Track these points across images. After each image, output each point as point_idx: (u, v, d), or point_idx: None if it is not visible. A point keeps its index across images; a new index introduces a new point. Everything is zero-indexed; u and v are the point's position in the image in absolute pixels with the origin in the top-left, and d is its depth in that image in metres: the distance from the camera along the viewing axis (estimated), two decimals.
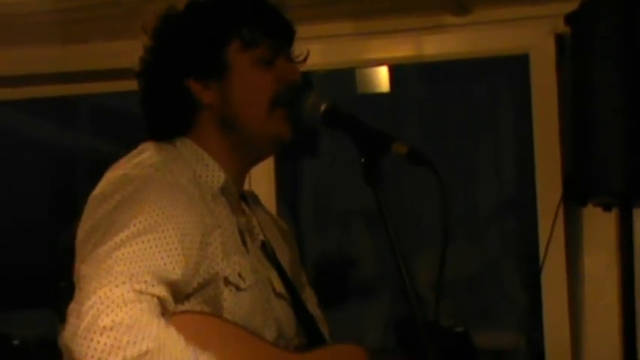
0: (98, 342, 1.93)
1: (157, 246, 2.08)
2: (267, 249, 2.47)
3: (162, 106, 2.39)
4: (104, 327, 1.94)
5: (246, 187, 2.59)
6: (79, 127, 5.49)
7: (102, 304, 1.96)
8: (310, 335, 2.46)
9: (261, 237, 2.47)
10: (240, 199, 2.47)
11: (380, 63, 4.68)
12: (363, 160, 2.20)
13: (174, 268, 2.09)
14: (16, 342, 4.98)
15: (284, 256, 2.54)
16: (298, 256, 2.66)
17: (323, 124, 2.34)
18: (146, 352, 1.94)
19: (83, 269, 2.06)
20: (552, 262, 3.94)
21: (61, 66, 4.64)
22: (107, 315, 1.95)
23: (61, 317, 2.02)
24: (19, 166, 5.34)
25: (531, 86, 4.16)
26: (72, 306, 2.00)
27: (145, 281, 2.02)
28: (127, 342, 1.93)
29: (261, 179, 2.49)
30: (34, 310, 5.05)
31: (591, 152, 3.21)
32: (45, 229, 5.24)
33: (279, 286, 2.43)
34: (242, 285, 2.27)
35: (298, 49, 2.47)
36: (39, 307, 4.88)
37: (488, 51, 4.31)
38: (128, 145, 2.38)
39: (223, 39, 2.36)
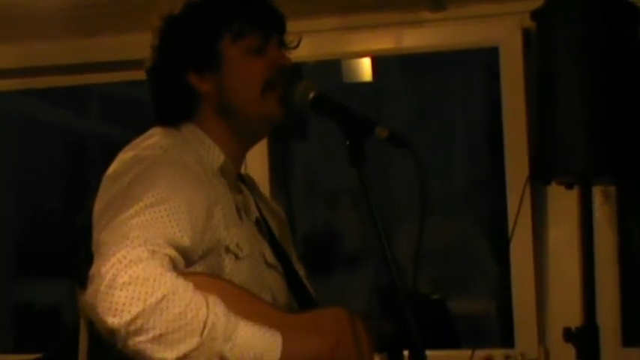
0: (119, 296, 1.95)
1: (167, 215, 2.10)
2: (260, 225, 2.47)
3: (167, 97, 2.40)
4: (123, 283, 1.95)
5: (242, 171, 2.60)
6: (89, 114, 5.48)
7: (120, 263, 1.98)
8: (302, 302, 2.47)
9: (255, 214, 2.47)
10: (239, 180, 2.48)
11: (363, 55, 4.66)
12: (348, 143, 2.20)
13: (182, 236, 2.11)
14: (35, 308, 5.00)
15: (277, 232, 2.55)
16: (289, 234, 2.67)
17: (312, 111, 2.33)
18: (162, 299, 1.96)
19: (101, 237, 2.08)
20: (520, 235, 3.94)
21: (73, 58, 4.63)
22: (125, 272, 1.96)
23: (81, 283, 2.05)
24: (36, 148, 5.33)
25: (501, 76, 4.15)
26: (93, 269, 2.01)
27: (158, 244, 2.04)
28: (146, 293, 1.95)
29: (256, 162, 2.50)
30: (52, 281, 5.05)
31: (555, 136, 3.22)
32: (60, 206, 5.25)
33: (271, 258, 2.44)
34: (240, 254, 2.28)
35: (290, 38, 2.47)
36: (56, 277, 4.88)
37: (462, 44, 4.30)
38: (135, 130, 2.39)
39: (215, 34, 2.37)
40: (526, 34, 4.03)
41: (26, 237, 5.22)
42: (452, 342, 4.08)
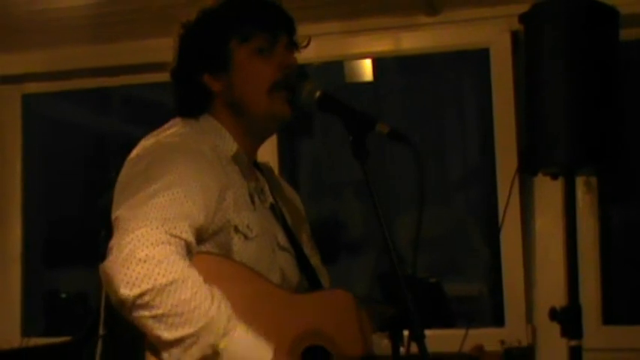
0: (134, 270, 1.96)
1: (184, 197, 2.10)
2: (275, 210, 2.47)
3: (186, 95, 2.41)
4: (139, 259, 1.97)
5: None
6: (111, 114, 5.48)
7: (139, 240, 1.99)
8: (311, 283, 2.47)
9: (270, 200, 2.47)
10: (255, 168, 2.48)
11: (364, 56, 4.67)
12: (351, 138, 2.21)
13: (198, 215, 2.12)
14: (63, 295, 5.01)
15: (291, 218, 2.54)
16: (305, 219, 2.66)
17: (318, 109, 2.33)
18: (171, 282, 1.97)
19: (121, 212, 2.08)
20: (509, 223, 3.92)
21: (97, 62, 4.65)
22: (142, 250, 1.97)
23: (102, 258, 2.04)
24: (63, 145, 5.34)
25: (491, 75, 4.18)
26: (112, 241, 2.02)
27: (176, 226, 2.05)
28: (157, 273, 1.96)
29: (266, 156, 2.53)
30: (78, 270, 5.05)
31: (541, 131, 3.21)
32: (83, 199, 5.26)
33: (284, 241, 2.43)
34: (249, 235, 2.27)
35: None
36: (82, 267, 4.88)
37: (455, 45, 4.32)
38: (154, 129, 2.38)
39: (224, 37, 2.36)
40: (514, 36, 4.06)
41: (54, 230, 5.22)
42: (447, 322, 4.08)
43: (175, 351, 2.00)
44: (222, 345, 2.02)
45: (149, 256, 1.97)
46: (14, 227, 4.81)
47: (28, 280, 4.83)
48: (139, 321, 1.99)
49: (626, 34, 3.29)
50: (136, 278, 1.96)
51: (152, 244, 1.99)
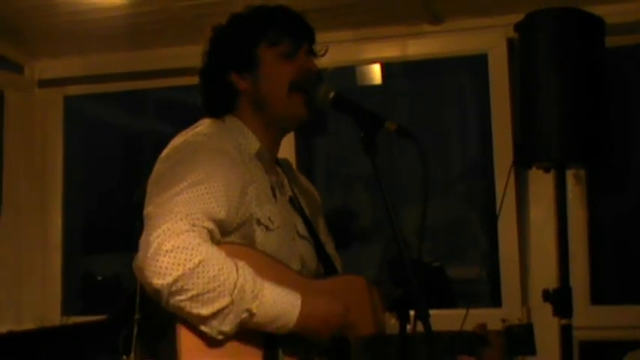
0: (163, 261, 1.98)
1: (207, 193, 2.11)
2: (294, 202, 2.47)
3: (213, 93, 2.41)
4: (166, 250, 1.98)
5: None
6: (145, 114, 5.49)
7: (164, 234, 2.00)
8: (327, 269, 2.47)
9: (289, 193, 2.47)
10: (276, 164, 2.48)
11: (374, 62, 4.67)
12: (362, 135, 2.21)
13: (220, 210, 2.12)
14: (99, 278, 5.02)
15: (309, 209, 2.54)
16: (321, 210, 2.66)
17: (332, 108, 2.33)
18: (199, 264, 1.99)
19: (150, 210, 2.10)
20: (506, 213, 3.93)
21: (131, 67, 4.67)
22: (168, 242, 1.99)
23: (136, 246, 2.06)
24: (100, 142, 5.36)
25: (489, 78, 4.17)
26: (142, 238, 2.04)
27: (198, 218, 2.06)
28: (185, 259, 1.98)
29: (285, 152, 2.53)
30: (113, 255, 5.07)
31: (535, 128, 3.21)
32: (120, 192, 5.26)
33: (303, 230, 2.44)
34: (271, 226, 2.28)
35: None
36: (117, 252, 4.89)
37: (456, 52, 4.31)
38: (184, 127, 2.38)
39: (254, 40, 2.37)
40: (510, 43, 4.06)
41: (92, 219, 5.24)
42: (449, 303, 4.09)
43: (215, 322, 2.02)
44: (254, 307, 2.04)
45: (175, 246, 1.99)
46: (55, 218, 4.81)
47: (67, 265, 4.84)
48: (177, 305, 2.01)
49: (611, 41, 3.29)
50: (167, 268, 1.98)
51: (176, 234, 2.01)
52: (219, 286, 2.00)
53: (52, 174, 4.85)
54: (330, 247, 2.57)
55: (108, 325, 3.60)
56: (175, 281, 1.98)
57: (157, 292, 2.00)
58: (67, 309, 4.78)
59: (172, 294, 1.99)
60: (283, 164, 2.56)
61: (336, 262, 2.54)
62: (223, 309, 2.02)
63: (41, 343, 3.50)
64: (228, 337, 2.07)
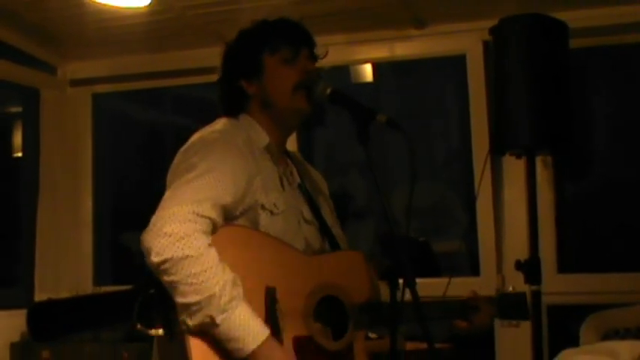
0: (159, 241, 1.98)
1: (215, 180, 2.11)
2: (302, 189, 2.46)
3: (228, 97, 2.42)
4: (165, 232, 1.99)
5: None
6: (164, 109, 5.48)
7: (169, 217, 2.01)
8: (332, 248, 2.45)
9: (297, 181, 2.46)
10: (285, 156, 2.47)
11: (365, 62, 4.69)
12: (356, 126, 2.20)
13: (226, 196, 2.12)
14: (128, 252, 5.02)
15: (317, 195, 2.52)
16: (328, 195, 2.62)
17: (329, 103, 2.32)
18: (186, 257, 1.99)
19: (166, 195, 2.11)
20: (483, 194, 3.95)
21: (152, 67, 4.67)
22: (170, 225, 1.99)
23: None
24: (125, 135, 5.36)
25: (468, 76, 4.17)
26: (153, 217, 2.05)
27: (203, 206, 2.06)
28: (177, 247, 1.98)
29: (288, 142, 2.52)
30: (140, 231, 5.03)
31: (507, 119, 3.22)
32: (144, 178, 5.27)
33: (308, 215, 2.42)
34: (275, 210, 2.26)
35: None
36: (141, 228, 4.87)
37: (439, 52, 4.31)
38: (199, 121, 2.41)
39: (258, 50, 2.37)
40: (486, 45, 4.05)
41: (120, 200, 5.24)
42: (434, 272, 4.12)
43: (184, 314, 2.02)
44: (218, 318, 2.00)
45: (174, 232, 1.99)
46: (86, 199, 4.83)
47: (98, 240, 4.86)
48: (164, 281, 2.02)
49: (574, 43, 3.31)
50: (161, 248, 1.98)
51: (180, 221, 2.01)
52: (196, 284, 1.99)
53: (83, 161, 4.87)
54: (336, 229, 2.54)
55: (133, 294, 3.62)
56: (164, 262, 1.98)
57: (151, 265, 2.01)
58: (98, 280, 4.80)
59: (161, 272, 2.00)
60: (293, 156, 2.55)
61: (342, 242, 2.51)
62: (191, 305, 2.00)
63: (76, 309, 3.51)
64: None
